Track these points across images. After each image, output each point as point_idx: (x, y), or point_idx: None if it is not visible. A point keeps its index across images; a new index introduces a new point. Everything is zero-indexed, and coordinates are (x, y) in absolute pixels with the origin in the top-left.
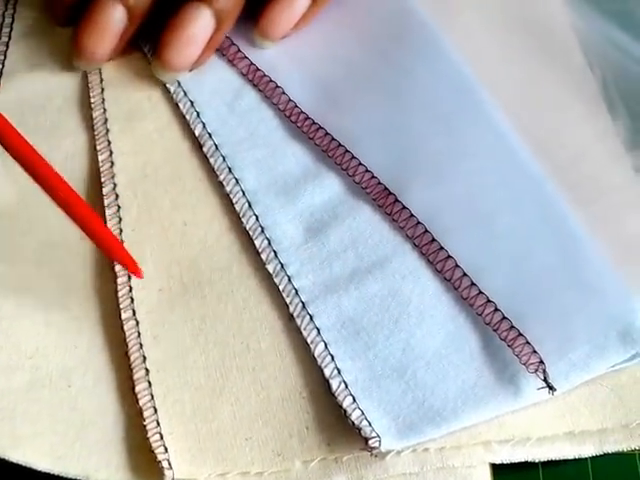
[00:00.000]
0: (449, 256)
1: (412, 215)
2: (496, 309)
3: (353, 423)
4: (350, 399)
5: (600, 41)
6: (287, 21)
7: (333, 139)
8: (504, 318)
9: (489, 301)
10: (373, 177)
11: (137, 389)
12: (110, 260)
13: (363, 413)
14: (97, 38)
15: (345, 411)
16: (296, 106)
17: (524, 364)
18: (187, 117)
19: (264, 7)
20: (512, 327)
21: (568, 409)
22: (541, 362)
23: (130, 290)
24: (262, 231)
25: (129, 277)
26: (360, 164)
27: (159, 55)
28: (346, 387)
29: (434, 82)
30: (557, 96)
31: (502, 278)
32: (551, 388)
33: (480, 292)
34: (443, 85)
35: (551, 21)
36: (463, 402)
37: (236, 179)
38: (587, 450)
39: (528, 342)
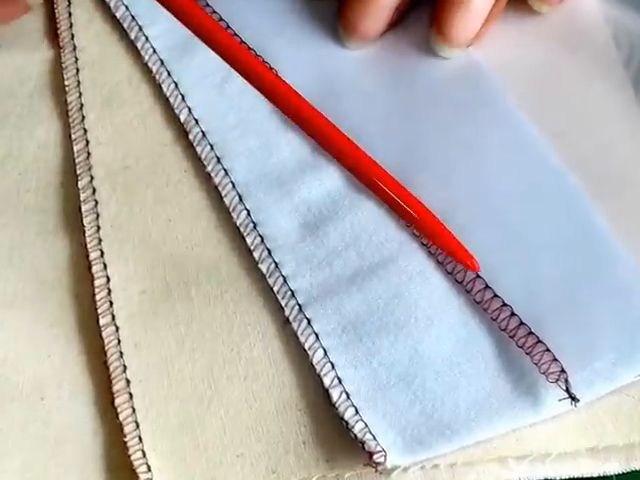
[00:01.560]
0: None
1: None
2: (512, 314)
3: (356, 437)
4: (352, 410)
5: (633, 30)
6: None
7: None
8: (521, 324)
9: (505, 305)
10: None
11: (117, 402)
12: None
13: (367, 426)
14: (372, 13)
15: (347, 424)
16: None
17: (544, 373)
18: (171, 101)
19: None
20: (530, 333)
21: (591, 422)
22: (562, 371)
23: (109, 293)
24: (254, 227)
25: (107, 278)
26: None
27: (442, 30)
28: (348, 398)
29: (443, 73)
30: (580, 84)
31: (519, 280)
32: (573, 399)
33: (495, 295)
34: (454, 75)
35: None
36: (476, 414)
37: (225, 170)
38: (612, 467)
39: (548, 349)
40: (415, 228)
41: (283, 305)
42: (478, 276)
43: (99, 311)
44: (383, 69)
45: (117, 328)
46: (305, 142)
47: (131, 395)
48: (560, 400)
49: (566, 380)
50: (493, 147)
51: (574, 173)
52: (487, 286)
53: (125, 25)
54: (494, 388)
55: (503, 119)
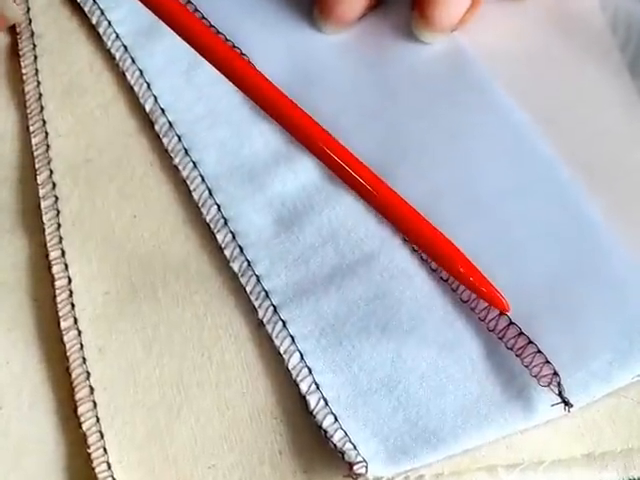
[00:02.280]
0: None
1: None
2: (502, 313)
3: (335, 446)
4: (331, 418)
5: (630, 11)
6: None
7: None
8: (511, 324)
9: None
10: None
11: (80, 410)
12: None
13: (346, 434)
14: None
15: (325, 432)
16: None
17: (535, 377)
18: (136, 89)
19: None
20: (521, 334)
21: (587, 426)
22: (555, 374)
23: (70, 295)
24: (225, 223)
25: (69, 279)
26: None
27: (424, 13)
28: (326, 404)
29: (425, 60)
30: (573, 69)
31: (508, 277)
32: (567, 404)
33: None
34: (437, 62)
35: None
36: (463, 420)
37: (194, 162)
38: (610, 475)
39: (539, 351)
40: (429, 257)
41: (257, 306)
42: None
43: (60, 314)
44: (361, 55)
45: (79, 332)
46: (279, 132)
47: (95, 403)
48: (553, 405)
49: (559, 384)
50: (479, 136)
51: (566, 163)
52: None
53: (86, 9)
54: (482, 392)
55: (490, 106)
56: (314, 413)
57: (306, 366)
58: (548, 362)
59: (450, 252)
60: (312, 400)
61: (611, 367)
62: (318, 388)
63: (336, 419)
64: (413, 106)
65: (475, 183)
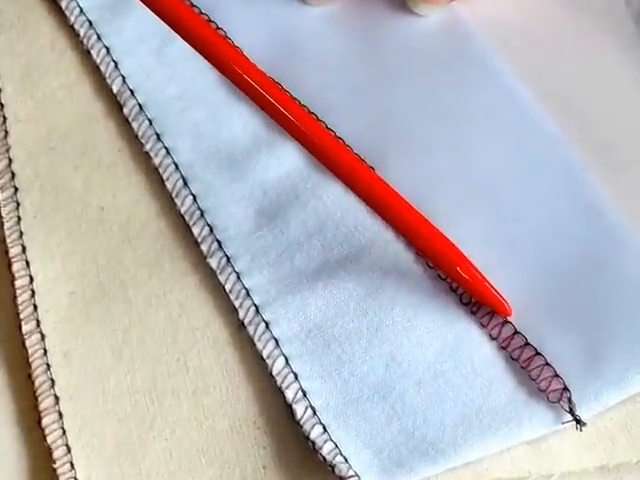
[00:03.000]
0: None
1: None
2: (506, 321)
3: (324, 459)
4: (320, 429)
5: None
6: None
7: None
8: (516, 333)
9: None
10: None
11: (44, 422)
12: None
13: (337, 446)
14: None
15: (314, 444)
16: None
17: (544, 391)
18: (102, 69)
19: None
20: (527, 344)
21: (600, 436)
22: (565, 389)
23: (33, 295)
24: (201, 215)
25: (31, 278)
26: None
27: None
28: (314, 413)
29: (420, 33)
30: (583, 42)
31: (511, 276)
32: (579, 422)
33: None
34: (434, 35)
35: None
36: (465, 431)
37: (167, 149)
38: None
39: (548, 363)
40: (426, 257)
41: (237, 306)
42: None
43: (22, 316)
44: (349, 29)
45: (43, 336)
46: (260, 115)
47: (61, 414)
48: (563, 424)
49: (569, 400)
50: (479, 115)
51: (575, 144)
52: None
53: None
54: (485, 400)
55: (492, 83)
56: (301, 423)
57: (292, 371)
58: (557, 376)
59: (447, 250)
60: (299, 409)
61: (627, 373)
62: (305, 395)
63: (325, 429)
64: (407, 84)
65: (474, 168)
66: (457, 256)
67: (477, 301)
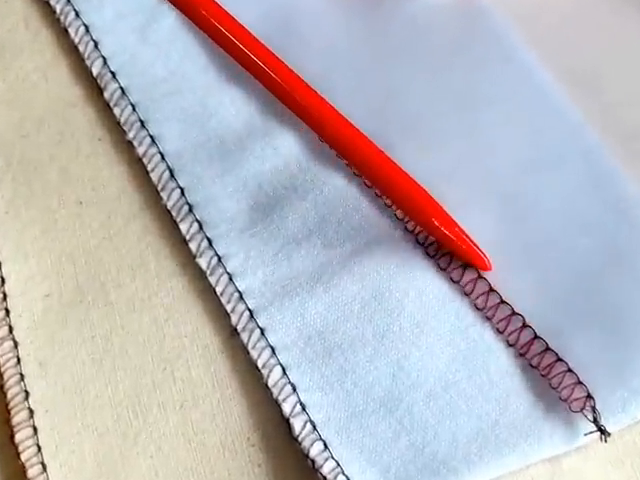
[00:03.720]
0: None
1: None
2: (525, 325)
3: (325, 478)
4: (320, 445)
5: None
6: None
7: None
8: (536, 337)
9: (515, 314)
10: None
11: (18, 438)
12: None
13: (339, 465)
14: None
15: (313, 462)
16: None
17: (566, 400)
18: (80, 49)
19: None
20: (547, 349)
21: (627, 451)
22: (589, 397)
23: (4, 298)
24: (190, 210)
25: (2, 279)
26: None
27: None
28: (314, 429)
29: (431, 8)
30: (609, 20)
31: (533, 279)
32: (604, 432)
33: (502, 301)
34: (445, 10)
35: None
36: (479, 447)
37: (152, 137)
38: None
39: (570, 370)
40: (401, 209)
41: (229, 311)
42: (480, 276)
43: None
44: (351, 6)
45: (16, 343)
46: (254, 99)
47: (36, 429)
48: (586, 435)
49: (593, 409)
50: (495, 99)
51: (599, 130)
52: (491, 289)
53: None
54: (502, 413)
55: (508, 63)
56: (300, 439)
57: (289, 382)
58: (581, 383)
59: (422, 201)
60: (297, 423)
61: None
62: (304, 409)
63: (326, 446)
64: (415, 65)
65: (489, 156)
66: (433, 207)
67: (493, 305)
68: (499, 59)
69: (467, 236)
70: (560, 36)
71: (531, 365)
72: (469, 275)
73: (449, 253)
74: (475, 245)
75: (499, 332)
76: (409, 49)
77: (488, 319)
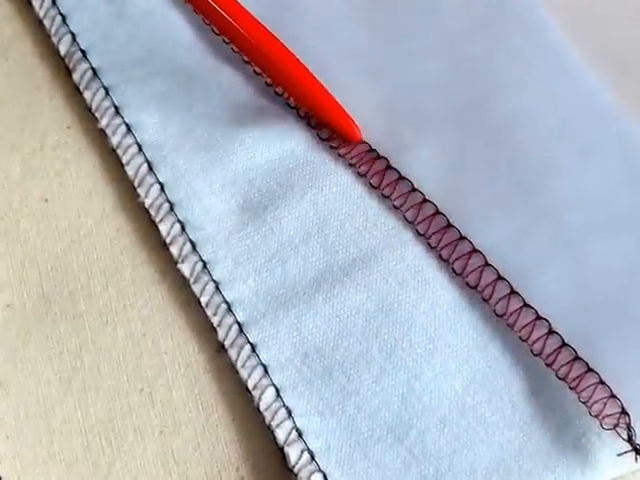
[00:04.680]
0: (474, 250)
1: (414, 188)
2: (551, 331)
3: None
4: (319, 478)
5: None
6: None
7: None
8: (564, 345)
9: (539, 318)
10: None
11: None
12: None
13: None
14: None
15: None
16: None
17: (597, 416)
18: (46, 25)
19: None
20: (577, 359)
21: None
22: (623, 412)
23: None
24: (171, 209)
25: None
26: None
27: None
28: (312, 459)
29: None
30: None
31: (560, 279)
32: (639, 452)
33: (525, 304)
34: None
35: None
36: (501, 479)
37: (127, 125)
38: None
39: (602, 382)
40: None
41: (215, 324)
42: (500, 277)
43: None
44: None
45: None
46: (246, 82)
47: None
48: (620, 455)
49: (628, 426)
50: (520, 83)
51: (635, 116)
52: (513, 291)
53: None
54: (526, 441)
55: (535, 42)
56: (296, 470)
57: (284, 406)
58: (614, 397)
59: (295, 70)
60: (292, 453)
61: None
62: (301, 436)
63: (326, 478)
64: (427, 46)
65: (515, 148)
66: (305, 76)
67: (514, 310)
68: (523, 36)
69: (340, 105)
70: (592, 12)
71: (558, 377)
72: (488, 277)
73: (465, 256)
74: (348, 115)
75: (523, 340)
76: (420, 28)
77: (510, 326)
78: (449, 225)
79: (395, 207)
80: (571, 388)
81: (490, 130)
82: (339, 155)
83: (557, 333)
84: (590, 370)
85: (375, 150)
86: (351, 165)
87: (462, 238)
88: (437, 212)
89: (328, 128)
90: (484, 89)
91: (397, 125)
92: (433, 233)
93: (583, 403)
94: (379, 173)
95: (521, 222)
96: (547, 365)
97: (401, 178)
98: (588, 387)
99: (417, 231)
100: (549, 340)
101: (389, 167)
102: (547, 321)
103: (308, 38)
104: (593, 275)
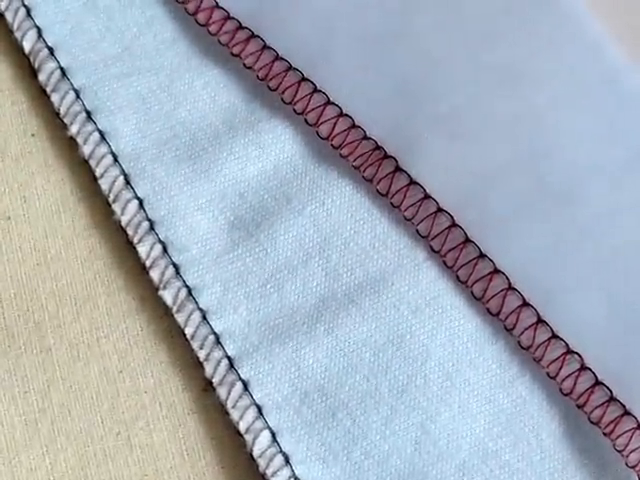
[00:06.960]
0: (496, 270)
1: (427, 196)
2: (583, 367)
3: None
4: None
5: None
6: None
7: (279, 58)
8: (597, 383)
9: (570, 352)
10: (354, 127)
11: None
12: None
13: None
14: None
15: None
16: None
17: (634, 467)
18: (8, 18)
19: None
20: (612, 399)
21: None
22: None
23: None
24: (151, 228)
25: None
26: (329, 103)
27: None
28: None
29: None
30: None
31: (594, 305)
32: None
33: (553, 335)
34: None
35: None
36: None
37: (101, 133)
38: None
39: None
40: None
41: (202, 359)
42: (525, 304)
43: None
44: None
45: None
46: (236, 83)
47: None
48: None
49: None
50: (547, 66)
51: None
52: (540, 319)
53: None
54: None
55: (563, 25)
56: None
57: (281, 452)
58: None
59: None
60: None
61: None
62: None
63: None
64: (446, 31)
65: (542, 146)
66: None
67: (541, 343)
68: (550, 19)
69: None
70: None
71: (591, 421)
72: (512, 302)
73: (486, 277)
74: None
75: (551, 377)
76: (436, 9)
77: (537, 361)
78: (467, 240)
79: (406, 219)
80: (605, 434)
81: (517, 125)
82: (341, 156)
83: (590, 369)
84: (627, 413)
85: (382, 148)
86: (355, 168)
87: (482, 256)
88: (453, 224)
89: None
90: (510, 79)
91: (408, 114)
92: (449, 250)
93: (619, 452)
94: (387, 177)
95: (551, 238)
96: (578, 407)
97: (412, 183)
98: (624, 433)
99: (431, 247)
100: (581, 377)
101: (398, 169)
102: (579, 355)
103: (305, 31)
104: (633, 302)
